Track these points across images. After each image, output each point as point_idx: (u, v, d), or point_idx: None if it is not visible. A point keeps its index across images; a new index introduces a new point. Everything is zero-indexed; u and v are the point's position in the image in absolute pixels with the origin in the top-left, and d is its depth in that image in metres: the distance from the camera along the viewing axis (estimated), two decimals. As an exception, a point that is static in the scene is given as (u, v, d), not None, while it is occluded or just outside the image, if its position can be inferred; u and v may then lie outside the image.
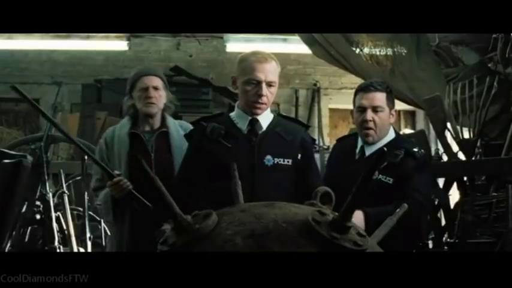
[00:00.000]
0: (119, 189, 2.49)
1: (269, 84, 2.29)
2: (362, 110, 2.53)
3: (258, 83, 2.27)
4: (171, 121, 2.78)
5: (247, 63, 2.30)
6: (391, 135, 2.60)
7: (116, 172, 2.55)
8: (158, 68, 2.94)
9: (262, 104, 2.30)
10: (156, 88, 2.71)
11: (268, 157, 2.28)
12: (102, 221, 3.58)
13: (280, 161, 2.29)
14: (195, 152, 2.38)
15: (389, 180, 2.40)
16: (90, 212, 3.61)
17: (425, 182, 2.58)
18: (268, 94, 2.30)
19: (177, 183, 2.34)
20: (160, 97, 2.72)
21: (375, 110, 2.51)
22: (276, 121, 2.38)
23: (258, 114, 2.33)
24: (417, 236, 2.80)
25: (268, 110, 2.39)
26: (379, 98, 2.52)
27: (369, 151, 2.54)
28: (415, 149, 2.52)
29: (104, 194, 2.64)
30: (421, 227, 2.82)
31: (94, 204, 3.24)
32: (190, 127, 2.61)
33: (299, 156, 2.34)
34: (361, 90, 2.57)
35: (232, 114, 2.40)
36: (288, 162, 2.30)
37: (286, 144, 2.34)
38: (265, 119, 2.36)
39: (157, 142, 2.69)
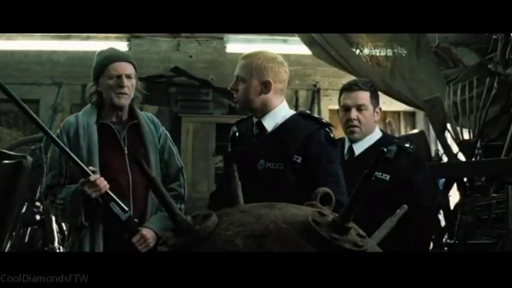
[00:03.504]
0: (95, 188, 2.24)
1: (241, 79, 2.30)
2: (346, 109, 2.59)
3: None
4: (139, 113, 2.56)
5: None
6: (377, 133, 2.63)
7: (91, 168, 2.28)
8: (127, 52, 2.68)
9: (235, 98, 2.33)
10: (128, 76, 2.44)
11: (261, 161, 2.22)
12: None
13: (271, 165, 2.20)
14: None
15: (385, 176, 2.43)
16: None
17: (427, 182, 2.62)
18: (240, 89, 2.30)
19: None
20: (133, 86, 2.47)
21: (359, 108, 2.56)
22: (285, 121, 2.30)
23: (237, 108, 2.37)
24: (429, 236, 2.89)
25: (277, 109, 2.31)
26: (363, 96, 2.57)
27: (358, 150, 2.58)
28: (407, 145, 2.55)
29: (68, 192, 2.34)
30: (432, 228, 2.90)
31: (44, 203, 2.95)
32: (157, 119, 2.62)
33: (298, 158, 2.20)
34: (345, 89, 2.63)
35: None
36: (279, 166, 2.20)
37: (282, 146, 2.23)
38: (271, 120, 2.30)
39: (129, 135, 2.47)
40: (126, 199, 2.37)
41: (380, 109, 2.64)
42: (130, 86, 2.45)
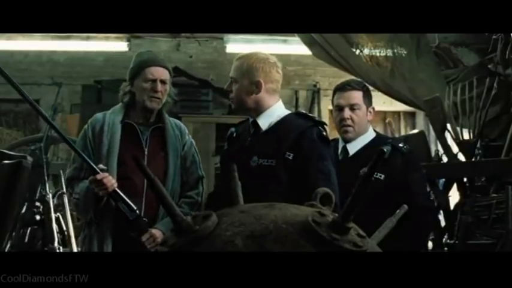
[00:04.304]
0: (102, 187, 2.30)
1: (234, 80, 2.35)
2: (340, 108, 2.61)
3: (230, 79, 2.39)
4: (167, 117, 2.61)
5: None
6: (371, 133, 2.65)
7: (101, 166, 2.34)
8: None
9: (232, 99, 2.37)
10: (163, 82, 2.52)
11: (254, 158, 2.25)
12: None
13: (264, 161, 2.23)
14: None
15: (380, 176, 2.45)
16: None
17: (421, 182, 2.65)
18: (233, 89, 2.35)
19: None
20: (166, 91, 2.54)
21: (352, 108, 2.59)
22: (280, 120, 2.33)
23: (233, 108, 2.42)
24: (427, 236, 2.94)
25: (272, 109, 2.35)
26: (356, 96, 2.60)
27: (352, 150, 2.60)
28: (401, 145, 2.57)
29: (83, 187, 2.41)
30: (428, 227, 2.90)
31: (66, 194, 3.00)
32: (184, 126, 2.65)
33: (290, 155, 2.22)
34: (338, 89, 2.66)
35: None
36: (271, 162, 2.22)
37: (275, 143, 2.25)
38: (266, 119, 2.33)
39: (152, 137, 2.52)
40: (139, 199, 2.40)
41: (373, 109, 2.66)
42: (164, 91, 2.52)
